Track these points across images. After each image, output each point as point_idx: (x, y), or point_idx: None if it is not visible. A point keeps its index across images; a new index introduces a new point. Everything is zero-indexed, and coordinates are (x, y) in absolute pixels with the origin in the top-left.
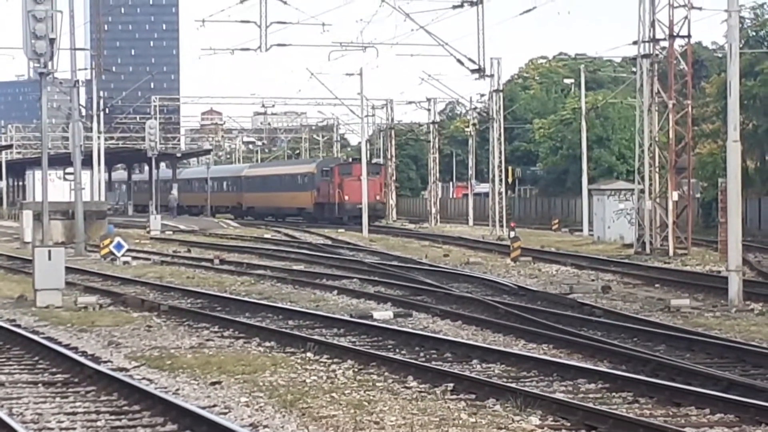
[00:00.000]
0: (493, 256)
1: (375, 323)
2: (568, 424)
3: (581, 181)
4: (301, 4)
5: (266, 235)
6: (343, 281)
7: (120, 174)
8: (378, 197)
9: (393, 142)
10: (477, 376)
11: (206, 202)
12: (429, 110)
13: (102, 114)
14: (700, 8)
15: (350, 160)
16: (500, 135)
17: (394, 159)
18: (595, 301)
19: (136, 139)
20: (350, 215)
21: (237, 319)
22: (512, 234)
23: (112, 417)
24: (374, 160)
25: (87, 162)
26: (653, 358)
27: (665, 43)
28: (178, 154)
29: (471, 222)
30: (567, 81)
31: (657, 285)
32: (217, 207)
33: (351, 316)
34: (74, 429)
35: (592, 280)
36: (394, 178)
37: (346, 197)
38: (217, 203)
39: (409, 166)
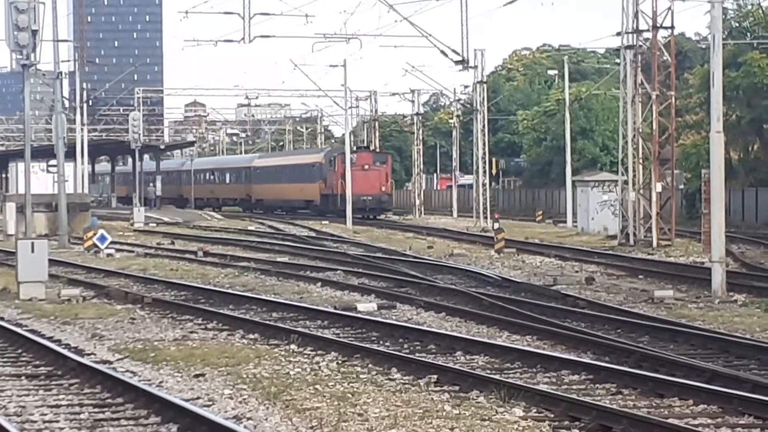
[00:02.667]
0: (477, 248)
1: (359, 315)
2: (552, 416)
3: (565, 172)
4: None
5: (250, 227)
6: (327, 273)
7: (103, 166)
8: (384, 188)
9: (377, 133)
10: (461, 368)
11: (212, 193)
12: (413, 102)
13: (85, 106)
14: None
15: (355, 148)
16: (484, 126)
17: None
18: (578, 292)
19: (120, 131)
20: (354, 207)
21: (221, 311)
22: (496, 225)
23: (96, 409)
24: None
25: (70, 154)
26: (637, 350)
27: (649, 34)
28: (162, 146)
29: (455, 213)
30: (551, 72)
31: (641, 276)
32: (224, 200)
33: (335, 308)
34: (57, 422)
35: (576, 272)
36: None
37: None
38: (224, 195)
39: (393, 157)
